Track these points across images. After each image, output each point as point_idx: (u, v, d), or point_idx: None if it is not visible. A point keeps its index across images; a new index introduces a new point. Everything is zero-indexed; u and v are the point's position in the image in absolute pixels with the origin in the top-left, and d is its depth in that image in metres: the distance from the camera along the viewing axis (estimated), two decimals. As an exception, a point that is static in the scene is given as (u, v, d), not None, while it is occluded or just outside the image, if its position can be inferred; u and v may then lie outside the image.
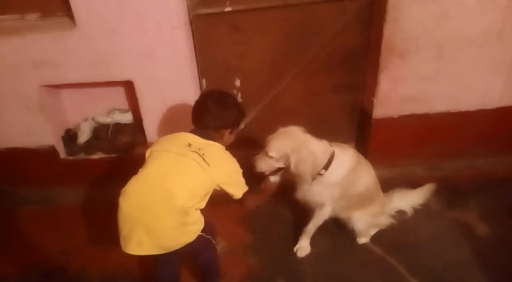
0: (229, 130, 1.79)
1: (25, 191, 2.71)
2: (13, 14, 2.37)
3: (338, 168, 1.89)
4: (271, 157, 1.86)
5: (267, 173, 1.95)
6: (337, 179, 1.90)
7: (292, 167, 1.81)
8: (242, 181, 1.77)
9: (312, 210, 2.07)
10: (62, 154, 2.67)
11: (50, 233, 2.42)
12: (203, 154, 1.64)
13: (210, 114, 1.72)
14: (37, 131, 2.54)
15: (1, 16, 2.37)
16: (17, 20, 2.37)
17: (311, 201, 2.01)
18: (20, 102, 2.43)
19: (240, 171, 1.77)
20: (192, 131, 1.76)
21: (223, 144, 1.79)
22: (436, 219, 2.29)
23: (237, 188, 1.75)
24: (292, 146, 1.81)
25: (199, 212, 1.68)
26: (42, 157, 2.61)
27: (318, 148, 1.84)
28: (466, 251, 2.09)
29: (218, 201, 2.45)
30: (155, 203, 1.56)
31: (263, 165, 1.90)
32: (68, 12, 2.23)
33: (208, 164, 1.63)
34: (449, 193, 2.41)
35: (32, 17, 2.37)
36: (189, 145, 1.67)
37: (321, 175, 1.87)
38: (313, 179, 1.88)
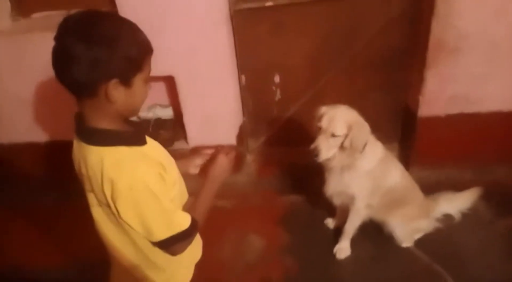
0: (114, 80, 0.96)
1: (70, 183, 2.78)
2: (60, 10, 2.44)
3: (371, 154, 1.86)
4: (337, 136, 1.76)
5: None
6: (369, 165, 1.87)
7: (349, 140, 1.75)
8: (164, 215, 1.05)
9: (347, 209, 2.02)
10: (105, 147, 2.73)
11: (92, 227, 2.47)
12: (93, 191, 1.05)
13: (75, 63, 0.93)
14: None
15: (48, 12, 2.45)
16: (64, 16, 2.43)
17: (341, 192, 1.96)
18: (68, 97, 2.49)
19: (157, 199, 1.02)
20: (77, 125, 1.07)
21: (117, 114, 1.03)
22: (486, 226, 2.17)
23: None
24: (353, 118, 1.78)
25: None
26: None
27: None
28: (518, 261, 1.97)
29: (255, 200, 2.43)
30: None
31: (328, 149, 1.78)
32: (113, 8, 2.26)
33: (100, 202, 1.07)
34: (500, 199, 2.27)
35: (78, 13, 2.42)
36: (81, 174, 1.08)
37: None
38: (346, 166, 1.84)
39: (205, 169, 1.31)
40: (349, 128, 1.76)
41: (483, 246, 2.07)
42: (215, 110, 2.47)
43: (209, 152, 1.36)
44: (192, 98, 2.45)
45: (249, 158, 2.74)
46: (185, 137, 2.61)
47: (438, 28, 2.10)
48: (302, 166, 2.32)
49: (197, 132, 2.57)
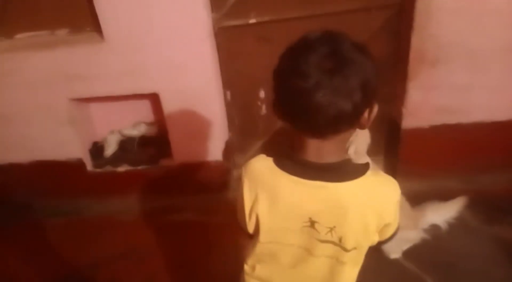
0: (375, 106, 0.92)
1: (54, 202, 2.74)
2: (44, 30, 2.43)
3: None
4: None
5: None
6: None
7: (353, 147, 1.77)
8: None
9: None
10: (89, 166, 2.69)
11: (78, 245, 2.43)
12: (340, 239, 0.95)
13: (352, 94, 0.83)
14: (65, 144, 2.58)
15: (33, 32, 2.44)
16: (48, 36, 2.43)
17: None
18: (50, 115, 2.47)
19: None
20: (300, 165, 0.94)
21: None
22: (474, 235, 2.17)
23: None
24: None
25: None
26: (70, 169, 2.64)
27: None
28: (508, 270, 1.96)
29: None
30: None
31: None
32: (96, 27, 2.27)
33: (347, 249, 0.97)
34: (487, 208, 2.28)
35: (62, 32, 2.43)
36: (312, 223, 0.95)
37: None
38: None
39: None
40: (355, 133, 1.78)
41: (470, 254, 2.07)
42: (201, 126, 2.47)
43: None
44: (177, 115, 2.45)
45: (236, 174, 2.73)
46: (170, 154, 2.59)
47: (417, 39, 2.13)
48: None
49: (183, 149, 2.56)
